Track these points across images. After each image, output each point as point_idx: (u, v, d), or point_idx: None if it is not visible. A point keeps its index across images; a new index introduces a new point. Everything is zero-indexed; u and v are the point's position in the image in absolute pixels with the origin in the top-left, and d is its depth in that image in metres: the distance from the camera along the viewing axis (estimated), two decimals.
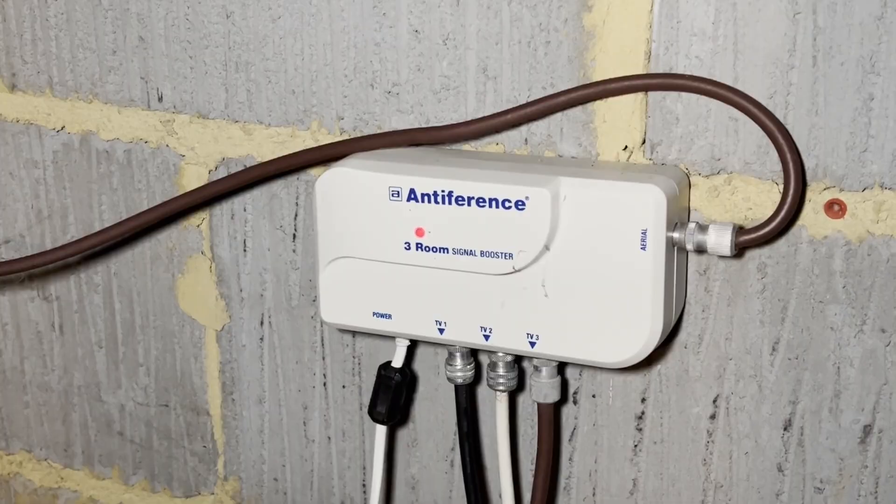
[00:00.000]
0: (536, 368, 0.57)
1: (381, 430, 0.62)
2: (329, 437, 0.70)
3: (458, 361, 0.60)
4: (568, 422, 0.62)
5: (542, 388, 0.57)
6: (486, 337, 0.54)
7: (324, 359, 0.69)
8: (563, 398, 0.61)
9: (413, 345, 0.64)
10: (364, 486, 0.70)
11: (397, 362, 0.62)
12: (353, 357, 0.68)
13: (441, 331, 0.55)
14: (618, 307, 0.51)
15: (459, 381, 0.60)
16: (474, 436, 0.64)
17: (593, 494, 0.63)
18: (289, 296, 0.68)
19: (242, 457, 0.74)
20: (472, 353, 0.60)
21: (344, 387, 0.69)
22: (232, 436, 0.73)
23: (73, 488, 0.81)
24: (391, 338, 0.61)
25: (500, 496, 0.63)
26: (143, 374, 0.75)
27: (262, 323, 0.70)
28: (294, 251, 0.67)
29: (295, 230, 0.67)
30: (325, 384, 0.69)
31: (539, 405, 0.58)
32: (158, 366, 0.75)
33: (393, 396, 0.62)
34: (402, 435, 0.68)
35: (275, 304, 0.69)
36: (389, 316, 0.56)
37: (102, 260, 0.74)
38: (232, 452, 0.74)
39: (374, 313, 0.56)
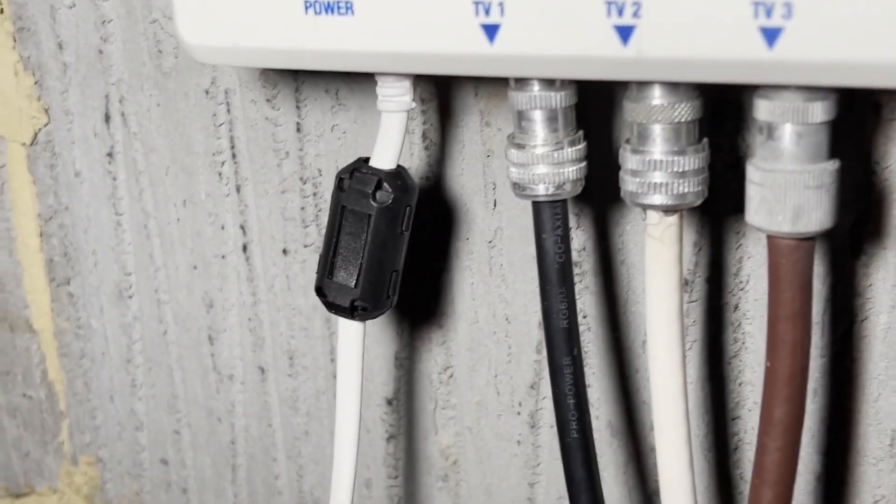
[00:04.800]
0: (768, 132, 0.26)
1: (351, 333, 0.31)
2: (262, 369, 0.44)
3: (540, 134, 0.29)
4: (850, 294, 0.31)
5: (784, 187, 0.26)
6: (625, 35, 0.24)
7: (238, 189, 0.41)
8: (835, 229, 0.29)
9: (436, 104, 0.34)
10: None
11: (384, 159, 0.30)
12: (302, 177, 0.39)
13: (491, 31, 0.26)
14: None
15: (544, 190, 0.30)
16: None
17: None
18: (156, 45, 0.41)
19: (100, 417, 0.52)
20: (578, 110, 0.29)
21: (286, 252, 0.41)
22: (77, 373, 0.52)
23: None
24: (370, 91, 0.34)
25: (656, 492, 0.34)
26: None
27: (107, 117, 0.43)
28: None
29: None
30: (244, 247, 0.42)
31: (772, 243, 0.27)
32: None
33: (373, 243, 0.30)
34: (422, 354, 0.40)
35: (130, 70, 0.42)
36: (349, 7, 0.27)
37: None
38: (80, 408, 0.53)
39: (308, 4, 0.28)
